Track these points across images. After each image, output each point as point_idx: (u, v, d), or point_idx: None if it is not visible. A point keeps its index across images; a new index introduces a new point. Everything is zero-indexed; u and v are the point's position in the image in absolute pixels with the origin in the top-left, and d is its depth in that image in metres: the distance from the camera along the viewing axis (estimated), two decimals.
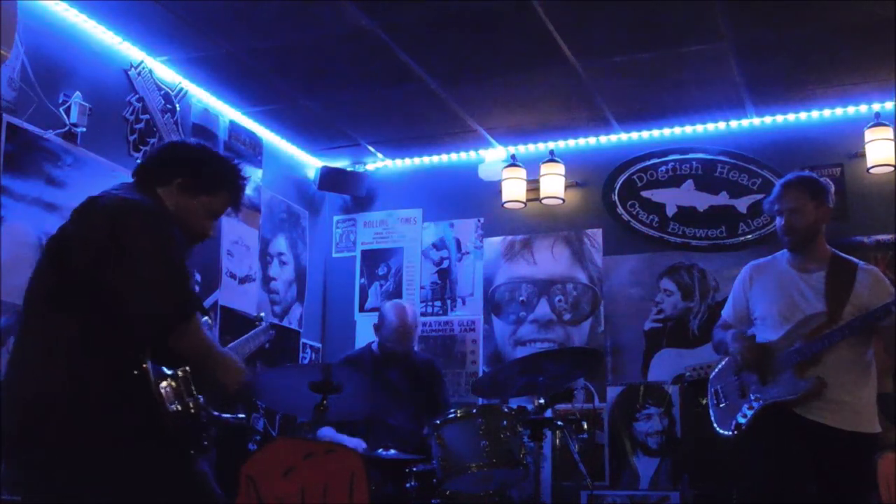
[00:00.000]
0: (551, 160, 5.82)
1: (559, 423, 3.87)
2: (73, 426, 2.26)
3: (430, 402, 4.60)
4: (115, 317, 2.30)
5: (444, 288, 6.10)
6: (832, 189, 3.72)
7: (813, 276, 3.59)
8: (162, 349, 2.35)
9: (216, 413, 2.53)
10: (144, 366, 2.30)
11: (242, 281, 5.49)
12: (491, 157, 6.07)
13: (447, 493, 3.80)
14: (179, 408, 2.34)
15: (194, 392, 2.41)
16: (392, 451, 4.03)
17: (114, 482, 2.28)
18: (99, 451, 2.27)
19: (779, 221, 3.65)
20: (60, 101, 4.25)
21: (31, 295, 2.46)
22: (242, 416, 5.14)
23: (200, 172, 2.65)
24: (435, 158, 6.25)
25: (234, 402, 5.19)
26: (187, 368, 2.41)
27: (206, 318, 2.70)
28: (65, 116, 4.26)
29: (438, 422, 3.78)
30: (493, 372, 4.23)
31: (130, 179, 2.67)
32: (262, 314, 3.99)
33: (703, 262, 5.56)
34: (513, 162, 5.86)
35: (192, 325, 2.38)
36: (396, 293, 6.09)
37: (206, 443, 2.43)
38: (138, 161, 4.59)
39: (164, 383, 2.33)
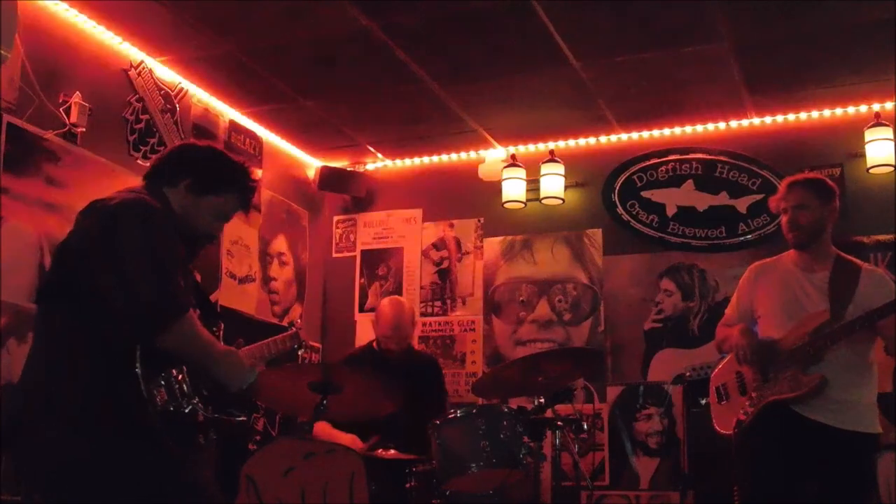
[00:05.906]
0: (551, 160, 5.82)
1: (559, 423, 3.86)
2: (53, 421, 2.26)
3: (431, 400, 4.59)
4: (103, 314, 2.30)
5: (444, 288, 6.10)
6: (838, 193, 3.73)
7: (817, 275, 3.59)
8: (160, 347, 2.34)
9: (216, 414, 2.49)
10: (135, 363, 2.28)
11: (242, 281, 5.49)
12: (491, 157, 6.06)
13: (447, 493, 3.79)
14: (172, 407, 2.32)
15: (190, 391, 2.38)
16: (392, 451, 4.03)
17: (91, 479, 2.26)
18: (78, 447, 2.25)
19: (783, 218, 3.66)
20: (60, 101, 4.25)
21: (38, 295, 2.50)
22: (241, 415, 5.14)
23: (207, 173, 2.64)
24: (435, 158, 6.24)
25: (236, 402, 5.20)
26: (184, 367, 2.39)
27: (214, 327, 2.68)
28: (65, 116, 4.25)
29: (438, 422, 3.78)
30: (493, 372, 4.21)
31: (136, 182, 2.69)
32: (293, 324, 3.92)
33: (703, 262, 5.56)
34: (513, 162, 5.86)
35: (181, 325, 2.34)
36: (396, 293, 6.07)
37: (202, 442, 2.40)
38: (139, 161, 4.63)
39: (157, 381, 2.31)
